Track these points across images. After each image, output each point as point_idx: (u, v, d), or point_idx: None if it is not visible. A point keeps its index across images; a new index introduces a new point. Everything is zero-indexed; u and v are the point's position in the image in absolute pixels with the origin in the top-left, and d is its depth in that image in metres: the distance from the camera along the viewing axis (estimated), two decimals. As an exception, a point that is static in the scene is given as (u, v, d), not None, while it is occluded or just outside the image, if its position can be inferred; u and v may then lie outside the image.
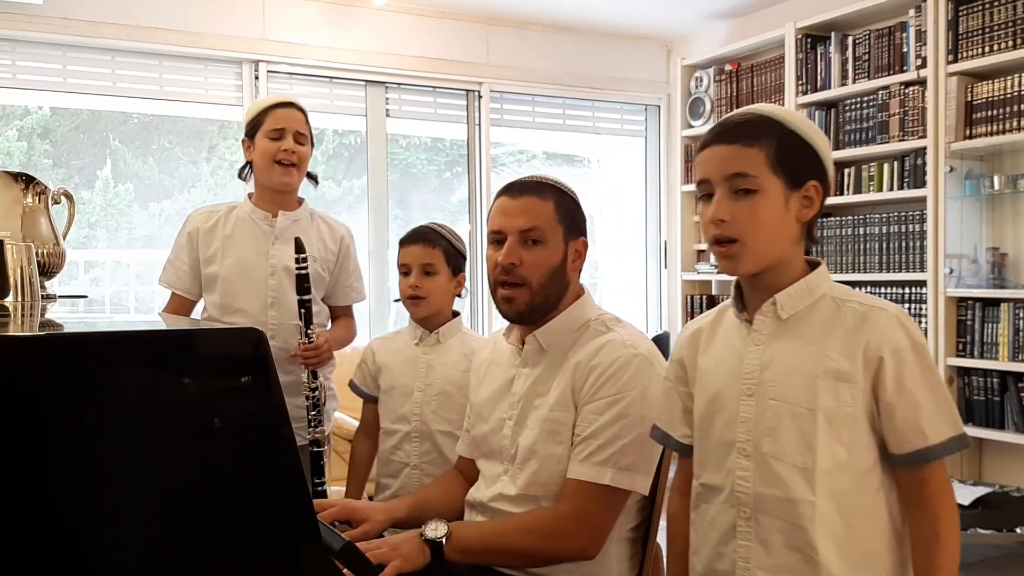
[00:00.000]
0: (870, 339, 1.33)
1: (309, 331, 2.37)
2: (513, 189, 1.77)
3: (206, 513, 1.05)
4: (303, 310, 2.36)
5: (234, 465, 1.08)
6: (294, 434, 1.14)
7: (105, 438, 1.01)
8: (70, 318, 1.62)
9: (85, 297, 2.62)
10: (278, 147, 2.44)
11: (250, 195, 2.57)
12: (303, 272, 2.34)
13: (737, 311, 1.46)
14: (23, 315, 1.51)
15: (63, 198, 2.34)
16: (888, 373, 1.32)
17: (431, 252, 2.23)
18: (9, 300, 1.64)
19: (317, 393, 2.41)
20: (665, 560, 1.63)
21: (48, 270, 2.17)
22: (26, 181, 2.17)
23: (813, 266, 1.43)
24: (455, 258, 2.26)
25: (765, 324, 1.42)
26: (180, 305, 2.56)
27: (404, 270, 2.26)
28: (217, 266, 2.48)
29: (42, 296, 1.89)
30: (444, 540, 1.62)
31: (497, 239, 1.76)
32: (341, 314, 2.67)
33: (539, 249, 1.72)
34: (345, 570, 1.30)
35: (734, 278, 1.47)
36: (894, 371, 1.32)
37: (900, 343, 1.33)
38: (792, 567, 1.35)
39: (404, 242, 2.28)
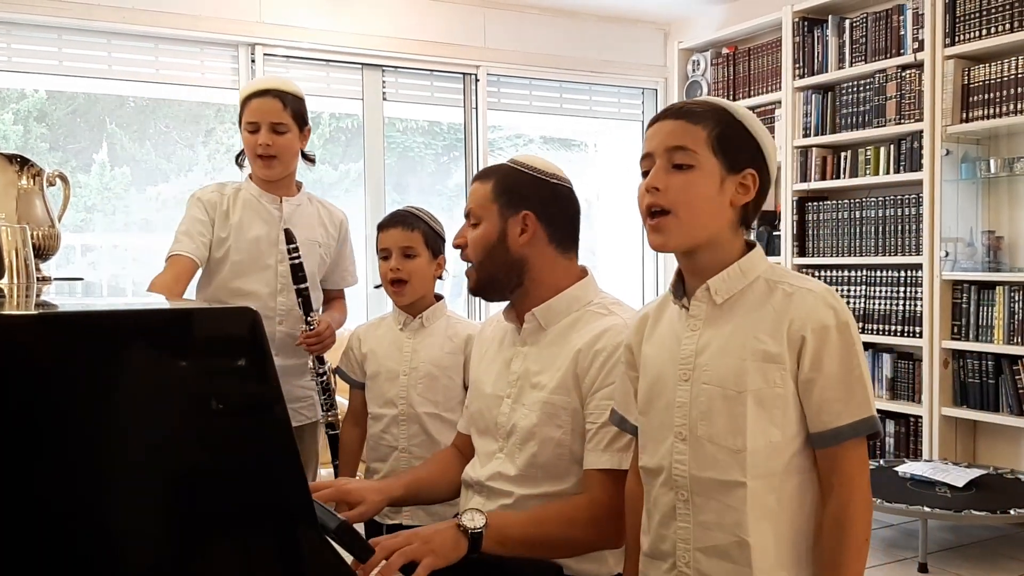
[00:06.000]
0: (794, 318, 1.34)
1: (309, 318, 2.39)
2: (475, 176, 1.86)
3: (201, 492, 1.06)
4: (300, 299, 2.38)
5: (229, 444, 1.08)
6: (288, 414, 1.14)
7: (100, 417, 1.01)
8: (66, 300, 1.62)
9: (81, 280, 2.61)
10: (255, 140, 2.43)
11: (251, 176, 2.56)
12: (296, 261, 2.36)
13: (675, 297, 1.48)
14: (18, 296, 1.51)
15: (58, 180, 2.33)
16: (808, 351, 1.33)
17: (410, 235, 2.26)
18: (4, 282, 1.64)
19: (325, 377, 2.43)
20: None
21: (43, 252, 2.17)
22: (21, 163, 2.16)
23: (750, 249, 1.44)
24: (434, 240, 2.29)
25: (701, 309, 1.44)
26: (184, 268, 2.37)
27: (384, 254, 2.30)
28: (228, 248, 2.45)
29: (38, 278, 1.89)
30: (483, 530, 1.55)
31: None
32: (335, 296, 2.69)
33: (478, 229, 1.79)
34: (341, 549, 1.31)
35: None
36: (814, 349, 1.33)
37: (824, 322, 1.33)
38: (726, 549, 1.37)
39: (383, 226, 2.32)
